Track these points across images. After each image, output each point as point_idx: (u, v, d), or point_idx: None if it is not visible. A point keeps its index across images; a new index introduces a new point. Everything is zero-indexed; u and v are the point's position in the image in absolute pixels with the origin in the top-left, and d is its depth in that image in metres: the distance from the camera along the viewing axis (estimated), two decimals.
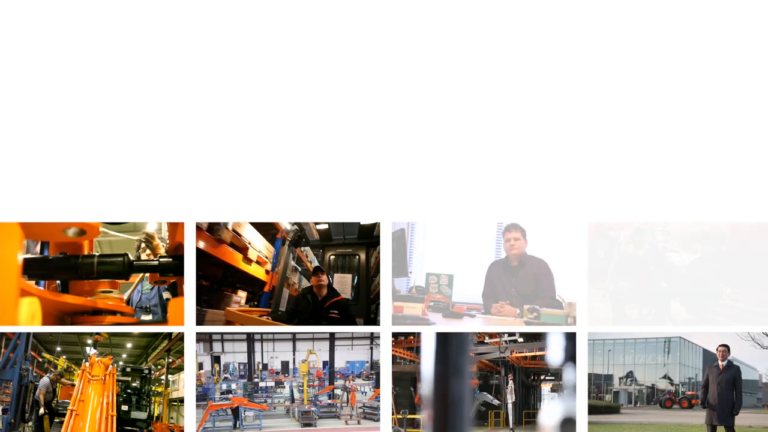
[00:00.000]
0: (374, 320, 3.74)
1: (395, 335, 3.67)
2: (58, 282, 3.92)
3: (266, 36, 3.54)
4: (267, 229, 4.78)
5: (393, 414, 3.68)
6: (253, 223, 4.31)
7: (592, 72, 3.50)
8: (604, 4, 3.50)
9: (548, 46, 3.50)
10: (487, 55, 3.50)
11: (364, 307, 4.21)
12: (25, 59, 3.55)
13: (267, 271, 4.88)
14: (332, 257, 4.53)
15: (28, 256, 3.79)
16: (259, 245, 4.69)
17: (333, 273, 4.46)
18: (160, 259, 3.81)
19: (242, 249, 4.38)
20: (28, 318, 3.35)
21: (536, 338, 3.82)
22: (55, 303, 3.59)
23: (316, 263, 4.72)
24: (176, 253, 3.78)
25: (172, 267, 3.76)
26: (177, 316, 3.61)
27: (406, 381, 3.83)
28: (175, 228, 3.76)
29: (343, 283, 4.37)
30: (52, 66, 3.55)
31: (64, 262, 3.66)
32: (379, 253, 3.67)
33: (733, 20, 3.48)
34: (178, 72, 3.54)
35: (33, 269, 3.65)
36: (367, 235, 4.11)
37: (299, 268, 4.68)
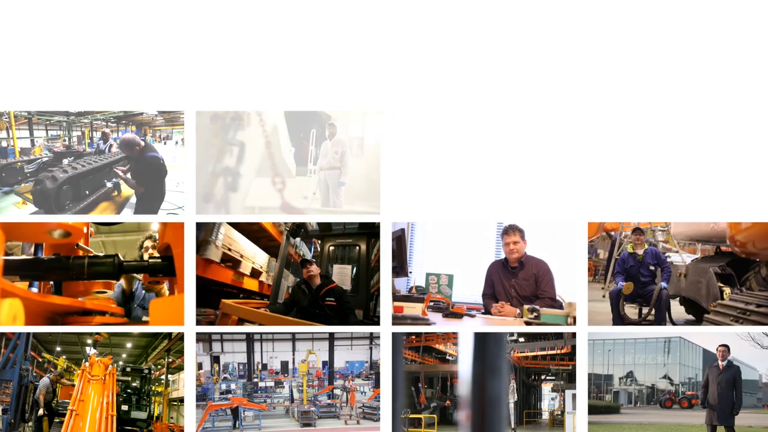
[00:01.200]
0: (374, 317, 3.72)
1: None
2: (51, 283, 3.87)
3: (268, 36, 3.53)
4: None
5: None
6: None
7: (593, 74, 3.50)
8: (607, 8, 3.51)
9: (548, 48, 3.50)
10: (488, 56, 3.50)
11: (363, 298, 4.19)
12: (20, 59, 3.53)
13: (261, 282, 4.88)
14: (332, 248, 4.50)
15: (22, 257, 3.75)
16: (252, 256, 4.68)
17: (332, 264, 4.43)
18: (149, 260, 3.75)
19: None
20: (8, 319, 3.29)
21: (537, 338, 3.83)
22: (41, 304, 3.52)
23: (307, 255, 4.69)
24: (165, 253, 3.72)
25: (162, 267, 3.70)
26: (158, 316, 3.48)
27: (407, 381, 3.82)
28: (164, 228, 3.68)
29: (343, 274, 4.34)
30: (48, 66, 3.53)
31: (55, 263, 3.57)
32: (379, 248, 3.66)
33: (733, 22, 3.50)
34: (175, 67, 3.52)
35: (25, 270, 3.57)
36: (368, 226, 4.08)
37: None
